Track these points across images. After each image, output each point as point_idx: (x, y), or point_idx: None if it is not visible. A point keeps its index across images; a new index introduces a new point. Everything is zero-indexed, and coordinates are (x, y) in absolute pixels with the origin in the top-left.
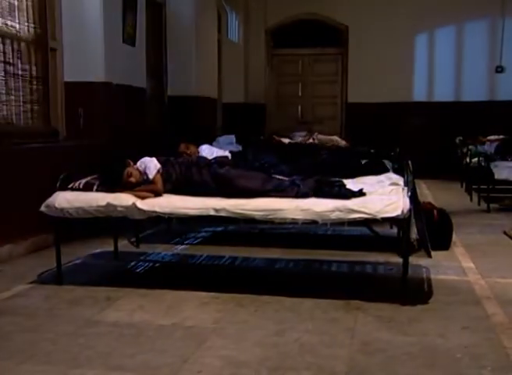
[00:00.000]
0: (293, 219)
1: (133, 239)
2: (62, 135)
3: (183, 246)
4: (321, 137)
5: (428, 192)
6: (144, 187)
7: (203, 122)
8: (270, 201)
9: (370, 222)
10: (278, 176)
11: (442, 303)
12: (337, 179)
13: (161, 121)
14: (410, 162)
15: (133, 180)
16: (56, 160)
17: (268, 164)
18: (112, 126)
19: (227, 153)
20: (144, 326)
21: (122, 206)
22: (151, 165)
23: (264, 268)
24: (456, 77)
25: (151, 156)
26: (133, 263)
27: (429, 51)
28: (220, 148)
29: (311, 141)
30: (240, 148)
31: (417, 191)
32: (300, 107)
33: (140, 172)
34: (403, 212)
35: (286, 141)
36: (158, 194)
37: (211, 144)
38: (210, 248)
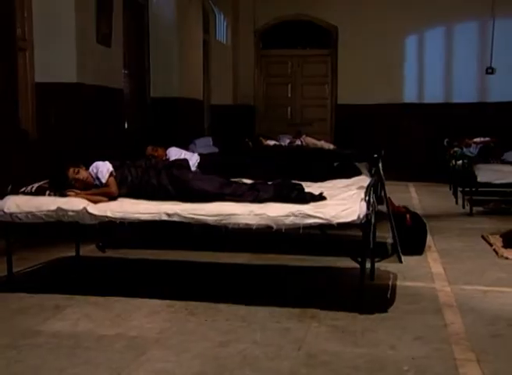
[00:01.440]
0: (246, 224)
1: (100, 244)
2: (32, 137)
3: (152, 251)
4: (309, 139)
5: (415, 195)
6: (97, 190)
7: (186, 123)
8: (223, 206)
9: (326, 227)
10: (244, 180)
11: (401, 311)
12: (297, 182)
13: (144, 122)
14: (380, 161)
15: (80, 176)
16: (20, 162)
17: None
18: (82, 128)
19: (196, 156)
20: (85, 337)
21: (73, 211)
22: (103, 168)
23: (228, 274)
24: (447, 79)
25: (103, 160)
26: (92, 269)
27: (419, 52)
28: (193, 151)
29: (298, 143)
30: (216, 150)
31: (386, 192)
32: (289, 109)
33: (91, 175)
34: (359, 217)
35: (272, 143)
36: (112, 197)
37: (187, 146)
38: (178, 254)
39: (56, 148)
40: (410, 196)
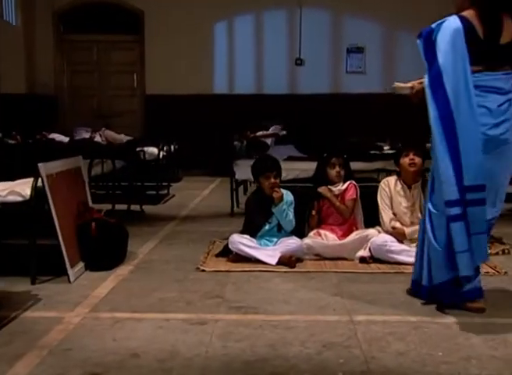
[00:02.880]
0: None
1: None
2: None
3: None
4: (108, 133)
5: (206, 193)
6: None
7: None
8: None
9: None
10: None
11: None
12: None
13: None
14: None
15: None
16: None
17: None
18: None
19: None
20: None
21: None
22: None
23: None
24: (257, 69)
25: None
26: None
27: (229, 41)
28: None
29: (97, 138)
30: None
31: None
32: (96, 99)
33: None
34: None
35: (66, 139)
36: None
37: None
38: None
39: None
40: (199, 194)
